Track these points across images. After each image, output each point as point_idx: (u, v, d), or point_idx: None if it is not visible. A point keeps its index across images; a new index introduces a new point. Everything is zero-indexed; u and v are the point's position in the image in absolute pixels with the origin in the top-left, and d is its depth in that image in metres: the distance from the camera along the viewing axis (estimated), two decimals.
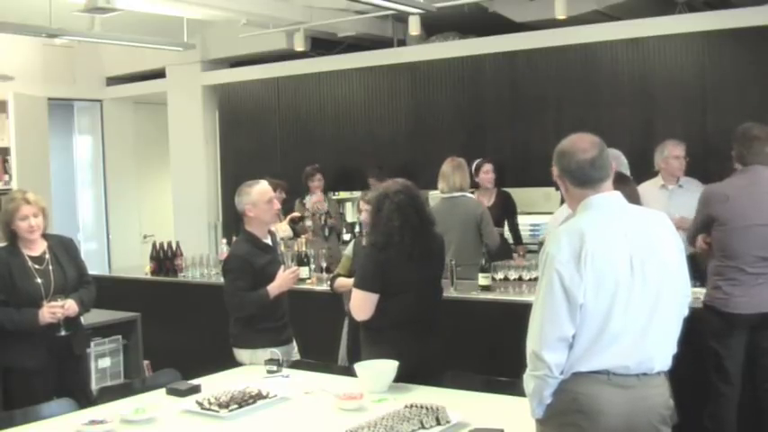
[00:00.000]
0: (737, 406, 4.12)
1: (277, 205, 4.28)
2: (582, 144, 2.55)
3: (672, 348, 2.54)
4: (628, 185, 3.62)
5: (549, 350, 2.40)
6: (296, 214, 6.78)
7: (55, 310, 3.87)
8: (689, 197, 4.89)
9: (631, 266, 2.44)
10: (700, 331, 4.12)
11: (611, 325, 2.41)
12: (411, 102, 7.37)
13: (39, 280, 3.93)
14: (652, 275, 2.46)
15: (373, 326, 3.61)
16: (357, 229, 4.86)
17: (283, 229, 6.72)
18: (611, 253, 2.43)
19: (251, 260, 4.02)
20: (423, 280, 3.67)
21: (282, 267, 4.13)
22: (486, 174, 6.28)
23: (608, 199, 2.54)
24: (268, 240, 4.21)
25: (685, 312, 2.62)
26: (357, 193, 7.36)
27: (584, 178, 2.53)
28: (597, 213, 2.51)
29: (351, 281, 4.33)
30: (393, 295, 3.56)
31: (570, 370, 2.44)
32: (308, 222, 6.82)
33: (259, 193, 4.09)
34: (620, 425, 2.42)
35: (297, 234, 6.56)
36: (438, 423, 2.85)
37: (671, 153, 5.26)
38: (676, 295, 2.55)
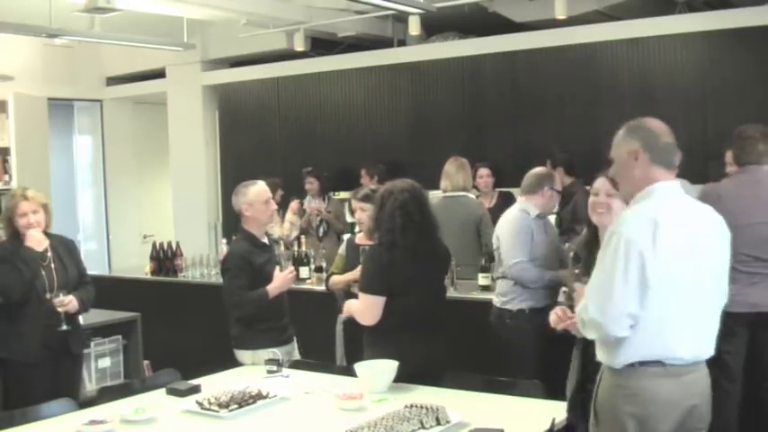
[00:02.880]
0: (739, 404, 4.12)
1: (273, 206, 4.29)
2: (665, 128, 2.66)
3: (715, 336, 2.60)
4: None
5: (613, 324, 2.45)
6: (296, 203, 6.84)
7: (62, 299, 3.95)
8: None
9: (692, 256, 2.50)
10: None
11: (671, 313, 2.47)
12: (411, 102, 7.37)
13: (42, 274, 3.98)
14: (707, 266, 2.54)
15: (376, 326, 3.59)
16: (357, 229, 4.86)
17: (292, 220, 6.74)
18: (677, 242, 2.48)
19: (250, 258, 4.03)
20: (426, 281, 3.66)
21: (278, 268, 4.13)
22: (482, 178, 6.27)
23: (676, 187, 2.61)
24: (265, 240, 4.23)
25: (725, 301, 2.66)
26: None
27: (669, 161, 2.60)
28: (667, 201, 2.57)
29: (345, 277, 4.36)
30: (396, 296, 3.55)
31: (626, 358, 2.48)
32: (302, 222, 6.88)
33: (256, 194, 4.10)
34: (680, 412, 2.50)
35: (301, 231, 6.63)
36: (438, 423, 2.85)
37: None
38: (720, 287, 2.62)
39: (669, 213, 2.52)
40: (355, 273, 4.18)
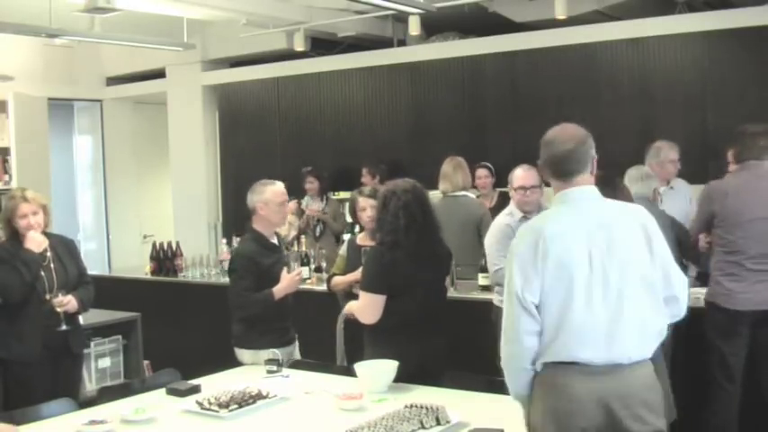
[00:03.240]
0: (740, 404, 4.12)
1: (288, 209, 4.27)
2: (562, 136, 2.60)
3: (651, 338, 2.53)
4: (612, 188, 3.60)
5: (513, 342, 2.50)
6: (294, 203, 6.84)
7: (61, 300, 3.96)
8: (680, 198, 4.91)
9: (590, 262, 2.46)
10: (702, 328, 4.13)
11: (573, 318, 2.45)
12: (411, 102, 7.37)
13: (42, 275, 3.98)
14: (613, 269, 2.47)
15: (377, 326, 3.59)
16: (357, 229, 4.85)
17: (291, 220, 6.74)
18: (568, 248, 2.47)
19: (257, 260, 4.01)
20: (427, 281, 3.66)
21: (286, 269, 4.12)
22: (480, 179, 6.26)
23: (579, 192, 2.57)
24: (275, 240, 4.20)
25: (678, 303, 2.60)
26: None
27: (556, 170, 2.58)
28: (563, 208, 2.57)
29: (346, 278, 4.34)
30: (397, 296, 3.55)
31: (540, 359, 2.51)
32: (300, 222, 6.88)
33: (273, 193, 4.09)
34: (596, 409, 2.44)
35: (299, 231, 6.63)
36: (438, 423, 2.85)
37: (667, 157, 5.20)
38: (648, 287, 2.51)
39: (561, 221, 2.52)
40: (356, 274, 4.15)
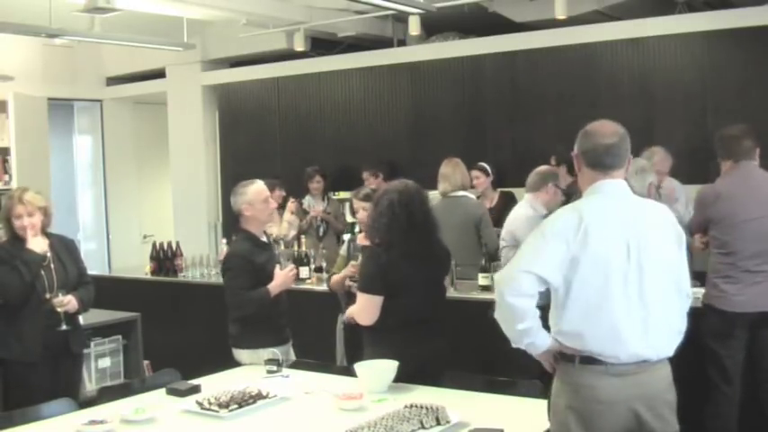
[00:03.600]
0: (738, 406, 4.12)
1: (273, 204, 4.29)
2: (604, 129, 2.64)
3: (675, 337, 2.57)
4: None
5: (512, 281, 2.50)
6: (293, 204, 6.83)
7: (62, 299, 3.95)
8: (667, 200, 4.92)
9: (628, 252, 2.49)
10: (699, 330, 4.13)
11: (608, 310, 2.46)
12: (411, 102, 7.36)
13: (42, 274, 3.98)
14: (648, 264, 2.50)
15: (376, 327, 3.59)
16: (357, 229, 4.85)
17: (290, 219, 6.73)
18: (607, 236, 2.49)
19: (251, 258, 4.03)
20: (425, 281, 3.65)
21: (279, 266, 4.14)
22: (473, 180, 6.26)
23: (614, 185, 2.60)
24: (265, 239, 4.23)
25: (688, 304, 2.64)
26: None
27: (596, 161, 2.60)
28: (601, 197, 2.58)
29: (341, 274, 4.38)
30: (396, 296, 3.55)
31: (562, 340, 2.51)
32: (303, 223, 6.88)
33: (255, 193, 4.11)
34: (623, 412, 2.46)
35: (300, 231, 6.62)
36: (438, 423, 2.85)
37: (662, 168, 5.17)
38: (675, 286, 2.57)
39: (601, 208, 2.55)
40: (350, 267, 4.22)
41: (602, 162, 2.60)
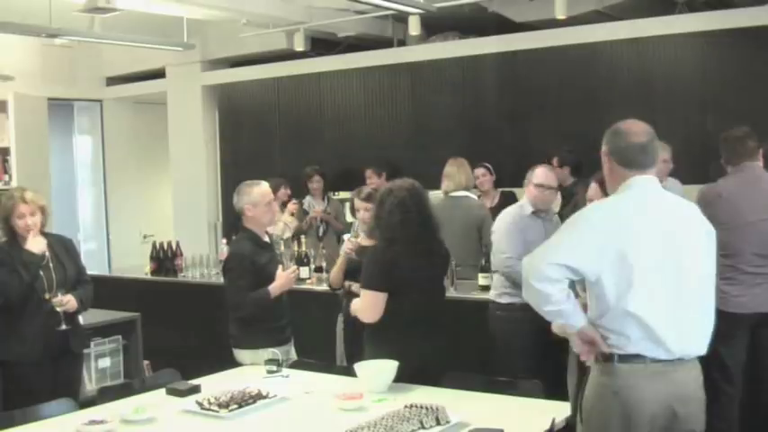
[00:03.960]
0: (740, 406, 4.12)
1: (275, 208, 4.29)
2: (636, 128, 2.65)
3: (707, 334, 2.60)
4: None
5: (551, 269, 2.49)
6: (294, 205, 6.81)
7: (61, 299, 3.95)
8: None
9: (664, 246, 2.50)
10: None
11: (641, 300, 2.46)
12: (410, 102, 7.36)
13: (41, 274, 3.97)
14: (685, 259, 2.52)
15: (377, 325, 3.59)
16: (356, 227, 4.86)
17: (288, 220, 6.73)
18: (643, 229, 2.50)
19: (252, 258, 4.02)
20: (426, 279, 3.66)
21: (281, 267, 4.13)
22: (478, 178, 6.25)
23: (648, 180, 2.62)
24: (267, 239, 4.22)
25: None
26: None
27: (630, 159, 2.61)
28: (637, 191, 2.60)
29: (335, 268, 4.43)
30: (398, 294, 3.55)
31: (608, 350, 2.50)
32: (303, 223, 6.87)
33: (260, 195, 4.10)
34: (662, 413, 2.48)
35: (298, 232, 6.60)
36: (438, 423, 2.85)
37: (660, 157, 5.18)
38: (709, 282, 2.60)
39: (637, 204, 2.57)
40: (342, 260, 4.31)
41: (637, 160, 2.61)
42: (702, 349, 2.59)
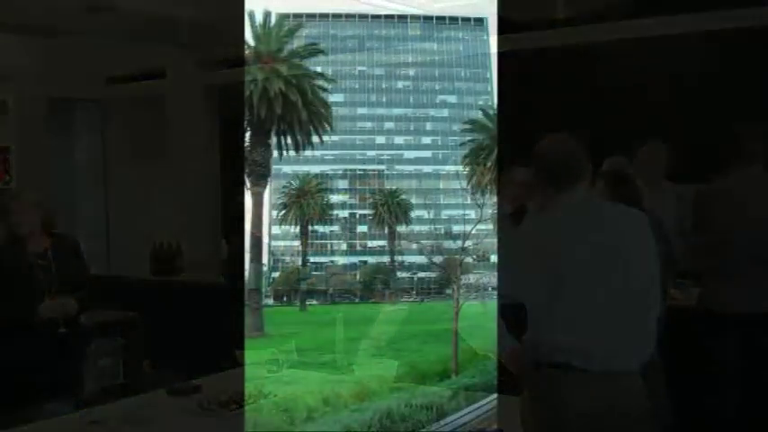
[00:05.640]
0: (737, 406, 4.12)
1: None
2: (554, 146, 2.65)
3: (641, 348, 2.53)
4: (626, 186, 3.64)
5: None
6: None
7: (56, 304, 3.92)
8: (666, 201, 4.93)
9: (590, 261, 2.47)
10: (696, 331, 4.14)
11: (567, 312, 2.47)
12: None
13: (41, 275, 3.96)
14: (606, 274, 2.48)
15: None
16: None
17: None
18: (561, 248, 2.51)
19: None
20: None
21: None
22: None
23: (573, 199, 2.58)
24: None
25: (656, 313, 2.57)
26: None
27: (552, 178, 2.61)
28: (558, 211, 2.59)
29: None
30: None
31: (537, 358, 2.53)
32: None
33: None
34: (590, 422, 2.44)
35: None
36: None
37: (650, 159, 5.15)
38: (639, 294, 2.51)
39: (556, 222, 2.58)
40: None
41: (559, 178, 2.61)
42: (629, 364, 2.51)
